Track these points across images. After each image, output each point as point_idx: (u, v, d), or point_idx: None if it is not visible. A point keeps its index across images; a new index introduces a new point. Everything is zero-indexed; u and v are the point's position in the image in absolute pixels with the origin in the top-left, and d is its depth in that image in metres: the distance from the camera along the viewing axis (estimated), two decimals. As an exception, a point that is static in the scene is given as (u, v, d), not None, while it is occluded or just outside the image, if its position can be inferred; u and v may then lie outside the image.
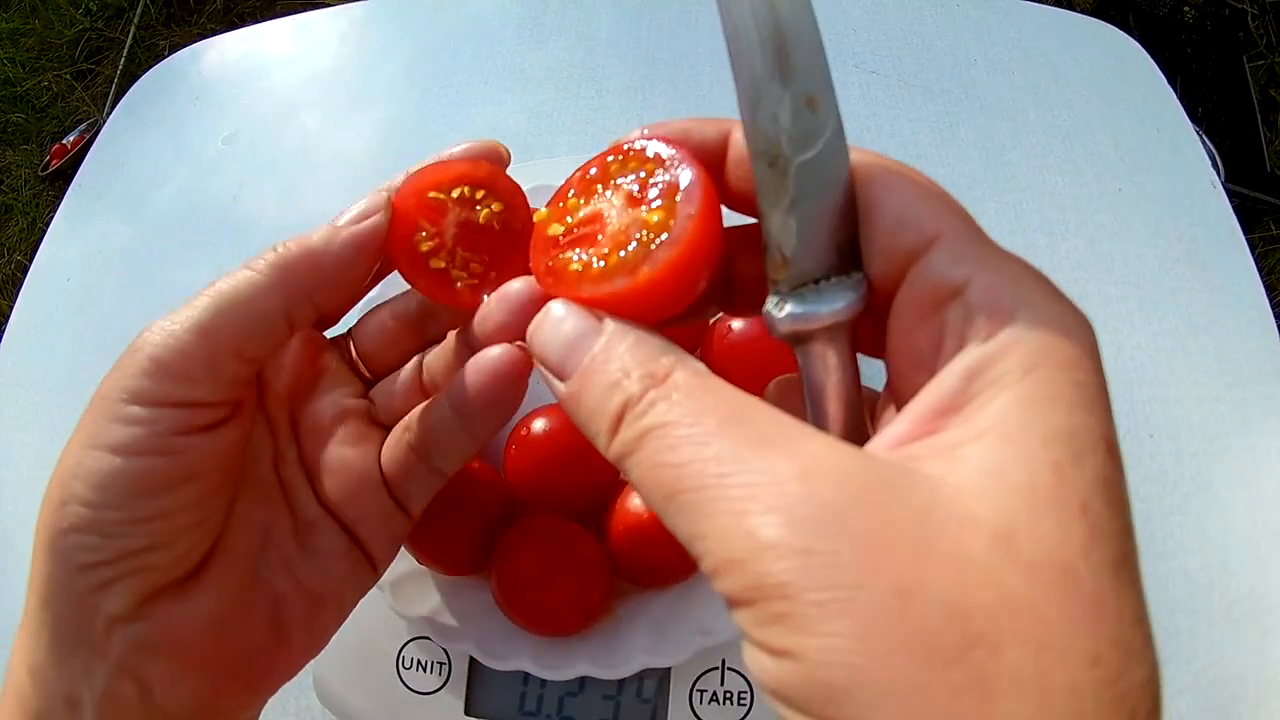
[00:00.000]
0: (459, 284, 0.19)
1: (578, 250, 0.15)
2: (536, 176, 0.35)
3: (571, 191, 0.16)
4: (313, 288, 0.18)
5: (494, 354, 0.18)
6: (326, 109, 0.48)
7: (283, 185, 0.46)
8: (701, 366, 0.14)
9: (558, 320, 0.15)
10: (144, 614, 0.16)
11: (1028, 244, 0.37)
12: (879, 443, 0.13)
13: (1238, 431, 0.35)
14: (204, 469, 0.17)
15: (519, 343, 0.18)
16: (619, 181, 0.16)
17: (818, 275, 0.14)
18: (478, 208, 0.19)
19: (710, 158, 0.16)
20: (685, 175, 0.15)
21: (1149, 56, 0.45)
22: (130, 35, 1.21)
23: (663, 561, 0.27)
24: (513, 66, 0.46)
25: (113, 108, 1.21)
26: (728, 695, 0.29)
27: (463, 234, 0.19)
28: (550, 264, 0.15)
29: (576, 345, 0.14)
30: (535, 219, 0.16)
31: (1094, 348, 0.12)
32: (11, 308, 0.43)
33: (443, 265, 0.19)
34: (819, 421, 0.15)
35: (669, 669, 0.29)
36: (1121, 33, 0.46)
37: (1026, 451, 0.11)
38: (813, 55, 0.14)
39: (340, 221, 0.19)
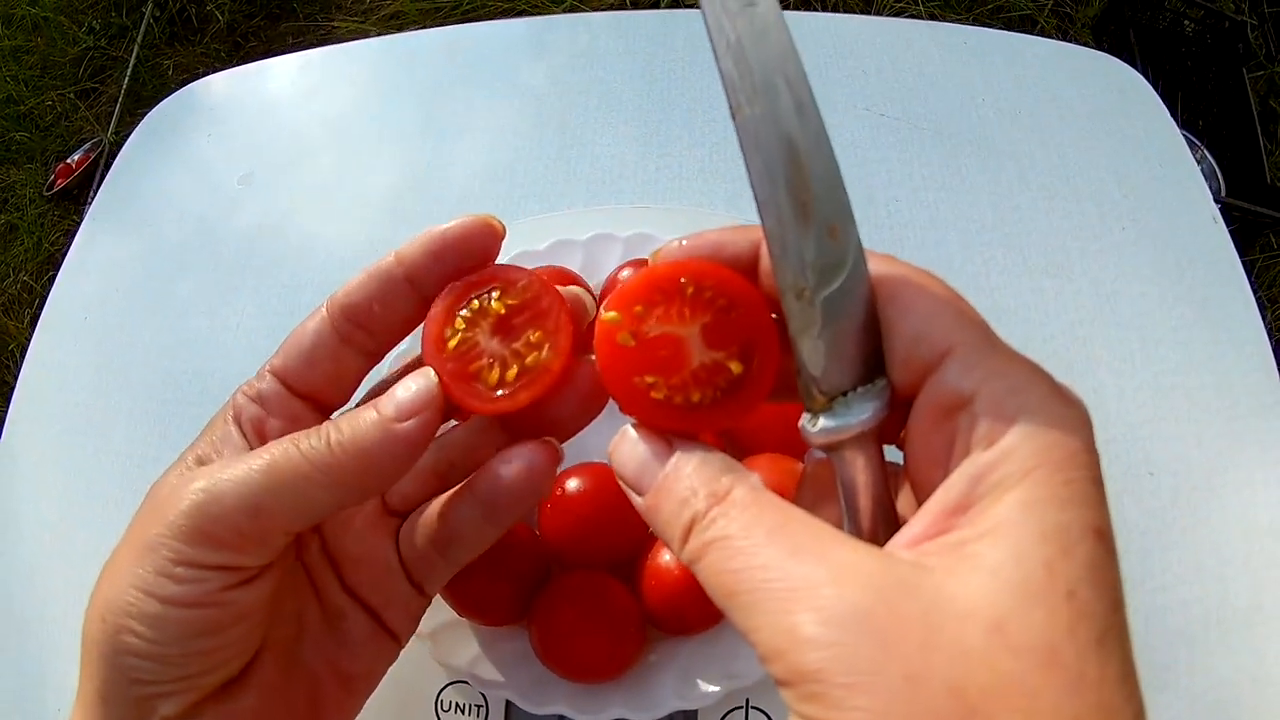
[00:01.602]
0: (538, 360, 0.19)
1: (655, 376, 0.17)
2: (558, 230, 0.36)
3: (638, 306, 0.17)
4: (366, 486, 0.18)
5: (530, 448, 0.19)
6: (341, 149, 0.49)
7: (300, 226, 0.47)
8: (756, 480, 0.16)
9: (634, 442, 0.17)
10: (196, 713, 0.18)
11: (1034, 288, 0.38)
12: (899, 540, 0.15)
13: (1235, 465, 0.37)
14: (253, 609, 0.18)
15: (549, 438, 0.20)
16: (692, 310, 0.17)
17: (846, 388, 0.16)
18: (490, 304, 0.19)
19: (744, 267, 0.17)
20: (760, 330, 0.17)
21: (1150, 87, 0.46)
22: (134, 54, 1.21)
23: (691, 611, 0.28)
24: (527, 107, 0.47)
25: (117, 127, 1.22)
26: (752, 732, 0.30)
27: (501, 334, 0.19)
28: (629, 383, 0.17)
29: (649, 465, 0.17)
30: (603, 317, 0.17)
31: (1089, 441, 0.14)
32: (18, 327, 0.43)
33: (514, 369, 0.19)
34: (852, 515, 0.16)
35: (696, 710, 0.30)
36: (1124, 64, 0.47)
37: (1021, 550, 0.13)
38: (832, 185, 0.16)
39: (388, 411, 0.18)
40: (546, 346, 0.19)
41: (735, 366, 0.17)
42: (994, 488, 0.14)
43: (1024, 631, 0.12)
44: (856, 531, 0.16)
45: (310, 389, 0.20)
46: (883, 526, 0.16)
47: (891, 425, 0.16)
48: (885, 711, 0.12)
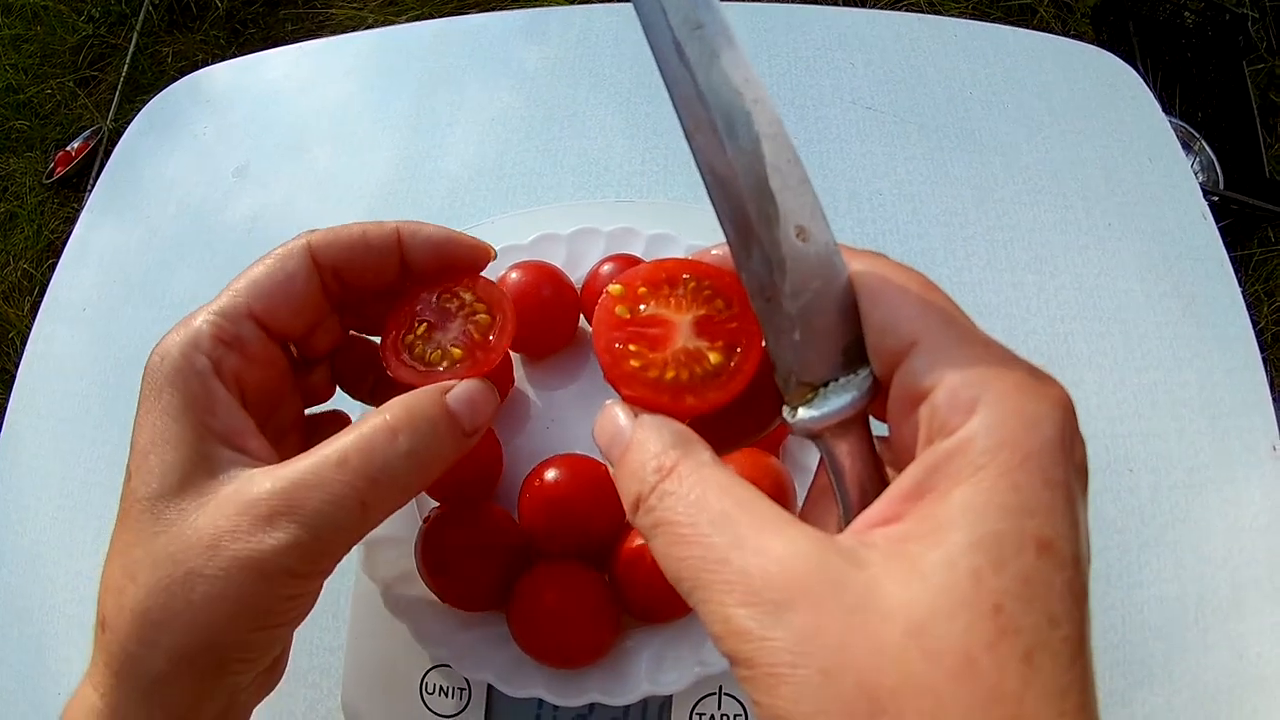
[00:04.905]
0: (497, 328, 0.23)
1: (639, 347, 0.18)
2: (541, 225, 0.36)
3: (642, 287, 0.19)
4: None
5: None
6: (337, 139, 0.49)
7: (297, 217, 0.47)
8: (705, 456, 0.16)
9: (610, 416, 0.18)
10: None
11: (1016, 283, 0.39)
12: (857, 522, 0.15)
13: (1217, 463, 0.37)
14: None
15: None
16: (690, 301, 0.18)
17: (825, 380, 0.16)
18: (458, 298, 0.24)
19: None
20: (748, 334, 0.18)
21: (1141, 80, 0.46)
22: (133, 42, 1.21)
23: (664, 599, 0.29)
24: (519, 99, 0.47)
25: (116, 115, 1.22)
26: (724, 718, 0.31)
27: (464, 318, 0.23)
28: (613, 347, 0.18)
29: (617, 437, 0.17)
30: (609, 290, 0.19)
31: (1054, 438, 0.14)
32: (18, 315, 0.44)
33: (487, 335, 0.23)
34: (841, 498, 0.17)
35: (670, 696, 0.31)
36: (1115, 57, 0.47)
37: (952, 557, 0.13)
38: (798, 187, 0.16)
39: (466, 425, 0.20)
40: (499, 322, 0.23)
41: (714, 357, 0.18)
42: (944, 480, 0.14)
43: (941, 638, 0.12)
44: (846, 513, 0.17)
45: (285, 332, 0.22)
46: (868, 504, 0.16)
47: (882, 406, 0.17)
48: (801, 700, 0.13)
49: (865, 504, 0.16)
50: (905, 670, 0.12)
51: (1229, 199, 0.82)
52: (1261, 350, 0.40)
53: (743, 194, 0.16)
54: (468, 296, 0.23)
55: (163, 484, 0.18)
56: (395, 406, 0.20)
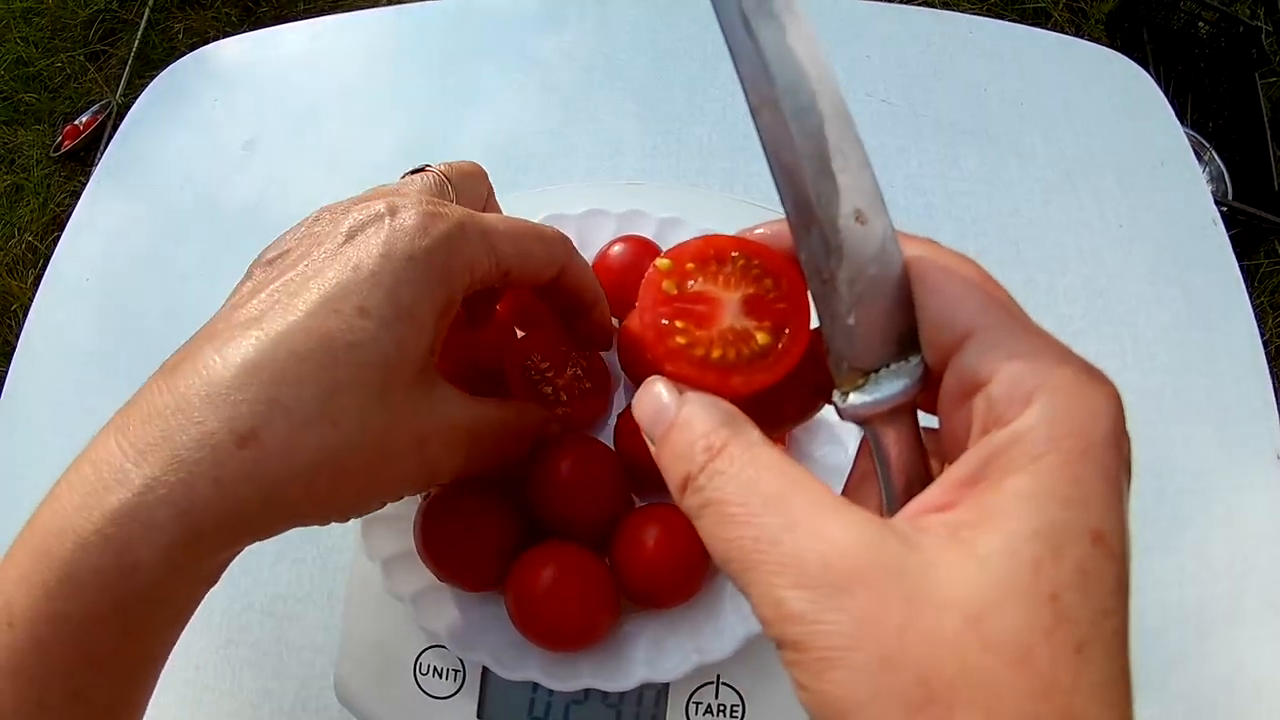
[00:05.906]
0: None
1: (686, 324, 0.18)
2: (551, 205, 0.36)
3: (690, 263, 0.18)
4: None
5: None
6: (347, 117, 0.49)
7: (304, 193, 0.47)
8: (755, 436, 0.16)
9: (654, 393, 0.17)
10: None
11: (1026, 280, 0.38)
12: (909, 508, 0.15)
13: (1222, 469, 0.37)
14: None
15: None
16: (738, 279, 0.18)
17: (876, 366, 0.16)
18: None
19: (795, 254, 0.18)
20: (796, 315, 0.18)
21: (1156, 86, 0.46)
22: (144, 17, 1.21)
23: (664, 586, 0.28)
24: (533, 80, 0.47)
25: (126, 89, 1.22)
26: (721, 708, 0.30)
27: (559, 366, 0.30)
28: (658, 323, 0.18)
29: (661, 414, 0.17)
30: (655, 264, 0.18)
31: (1112, 432, 0.14)
32: (21, 287, 0.44)
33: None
34: (886, 486, 0.17)
35: (668, 683, 0.30)
36: (1130, 61, 0.47)
37: (1013, 545, 0.13)
38: (859, 169, 0.16)
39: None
40: (598, 388, 0.31)
41: (762, 338, 0.17)
42: (999, 469, 0.14)
43: (1000, 628, 0.12)
44: (890, 502, 0.16)
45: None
46: (914, 494, 0.16)
47: (931, 396, 0.17)
48: (855, 686, 0.12)
49: (910, 493, 0.16)
50: (962, 658, 0.12)
51: (1237, 210, 0.82)
52: (1267, 362, 0.39)
53: (804, 173, 0.15)
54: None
55: (404, 360, 0.20)
56: (536, 410, 0.27)
